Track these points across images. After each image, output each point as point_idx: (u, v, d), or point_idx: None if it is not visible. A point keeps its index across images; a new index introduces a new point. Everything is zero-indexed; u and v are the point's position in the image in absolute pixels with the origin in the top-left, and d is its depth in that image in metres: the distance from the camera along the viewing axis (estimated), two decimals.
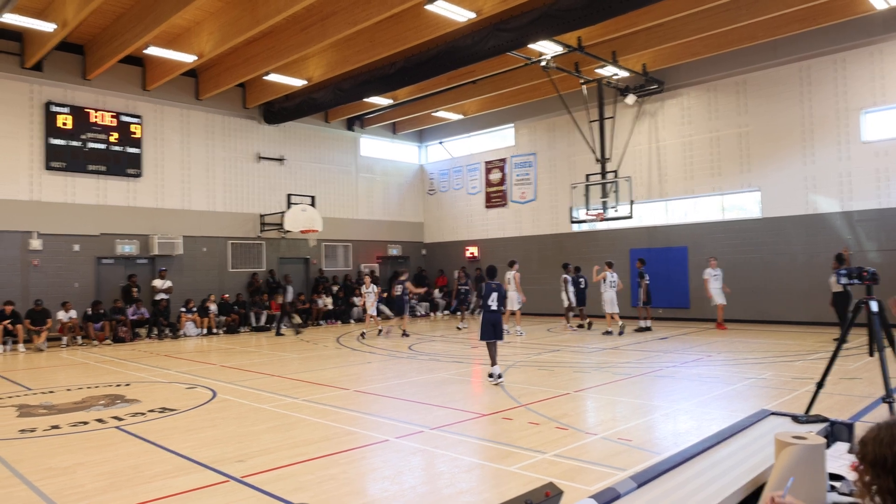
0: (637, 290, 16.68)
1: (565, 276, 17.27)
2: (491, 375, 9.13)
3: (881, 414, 6.61)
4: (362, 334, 16.34)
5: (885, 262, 14.53)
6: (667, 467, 2.25)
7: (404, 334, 16.23)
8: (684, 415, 7.15)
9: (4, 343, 14.77)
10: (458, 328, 18.02)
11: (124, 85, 18.26)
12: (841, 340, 5.70)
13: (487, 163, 24.34)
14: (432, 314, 23.54)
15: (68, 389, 9.47)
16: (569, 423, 6.68)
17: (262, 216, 20.99)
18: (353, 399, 8.37)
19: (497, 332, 9.29)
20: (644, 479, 2.11)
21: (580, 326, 17.29)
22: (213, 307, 18.49)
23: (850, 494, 2.04)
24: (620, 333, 15.37)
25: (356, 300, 19.00)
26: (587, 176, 18.97)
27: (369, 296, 16.78)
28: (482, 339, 9.34)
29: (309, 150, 22.87)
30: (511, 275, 16.02)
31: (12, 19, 13.76)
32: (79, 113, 17.31)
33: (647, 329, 16.12)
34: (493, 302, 9.31)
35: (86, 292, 17.12)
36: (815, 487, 2.13)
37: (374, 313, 16.99)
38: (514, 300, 16.07)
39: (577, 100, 19.56)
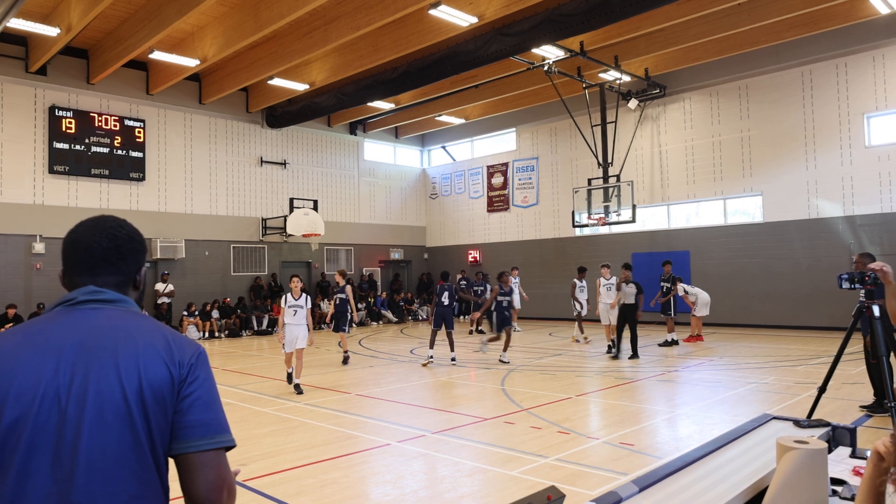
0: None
1: (576, 280, 15.47)
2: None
3: (883, 419, 6.60)
4: (295, 386, 9.30)
5: None
6: (668, 471, 2.24)
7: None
8: (686, 419, 7.14)
9: None
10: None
11: (128, 89, 18.32)
12: (842, 348, 5.69)
13: (490, 167, 24.37)
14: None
15: None
16: (571, 428, 6.68)
17: (264, 220, 21.03)
18: (355, 403, 8.38)
19: (447, 321, 12.11)
20: (645, 484, 2.11)
21: (470, 332, 17.37)
22: (214, 311, 18.51)
23: (852, 499, 2.03)
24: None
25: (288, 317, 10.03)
26: (589, 180, 18.97)
27: (296, 312, 9.45)
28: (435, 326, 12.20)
29: (311, 155, 22.92)
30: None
31: (17, 24, 13.82)
32: (82, 117, 17.37)
33: (675, 343, 13.92)
34: (445, 299, 12.05)
35: None
36: (817, 492, 2.13)
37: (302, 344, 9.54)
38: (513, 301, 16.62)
39: (580, 104, 19.57)
